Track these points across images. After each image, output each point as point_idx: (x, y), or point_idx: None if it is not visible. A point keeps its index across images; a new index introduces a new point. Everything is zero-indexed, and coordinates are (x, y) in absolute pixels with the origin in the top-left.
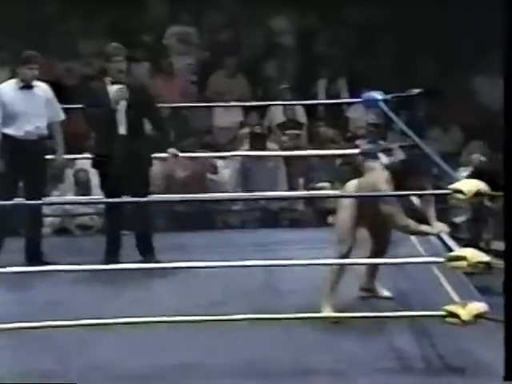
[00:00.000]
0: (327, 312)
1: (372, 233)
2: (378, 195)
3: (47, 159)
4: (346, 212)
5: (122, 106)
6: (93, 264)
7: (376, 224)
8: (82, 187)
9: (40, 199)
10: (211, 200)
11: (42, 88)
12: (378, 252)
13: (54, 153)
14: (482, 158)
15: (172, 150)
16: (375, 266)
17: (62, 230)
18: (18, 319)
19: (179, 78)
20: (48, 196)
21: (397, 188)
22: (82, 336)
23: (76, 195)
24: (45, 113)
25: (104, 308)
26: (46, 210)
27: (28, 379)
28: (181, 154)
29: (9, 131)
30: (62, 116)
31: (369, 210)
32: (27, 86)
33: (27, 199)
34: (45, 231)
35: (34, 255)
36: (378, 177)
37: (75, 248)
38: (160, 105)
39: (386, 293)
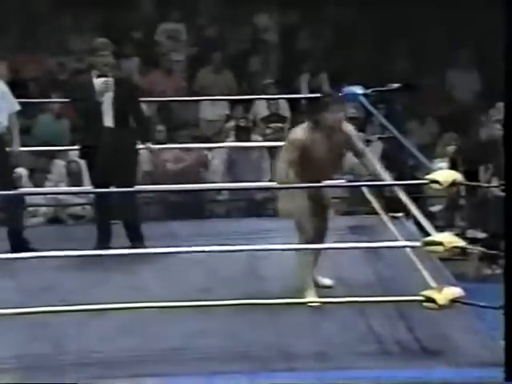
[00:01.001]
0: (311, 296)
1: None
2: (373, 184)
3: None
4: (290, 200)
5: (108, 99)
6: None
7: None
8: (74, 178)
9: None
10: (197, 190)
11: None
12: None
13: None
14: (456, 149)
15: (148, 145)
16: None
17: (54, 220)
18: (11, 305)
19: (175, 74)
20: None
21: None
22: (73, 321)
23: (68, 186)
24: (4, 107)
25: (94, 293)
26: (39, 200)
27: (21, 363)
28: (172, 146)
29: None
30: (17, 107)
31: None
32: None
33: None
34: (38, 220)
35: (18, 244)
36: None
37: (67, 237)
38: (148, 99)
39: (326, 281)
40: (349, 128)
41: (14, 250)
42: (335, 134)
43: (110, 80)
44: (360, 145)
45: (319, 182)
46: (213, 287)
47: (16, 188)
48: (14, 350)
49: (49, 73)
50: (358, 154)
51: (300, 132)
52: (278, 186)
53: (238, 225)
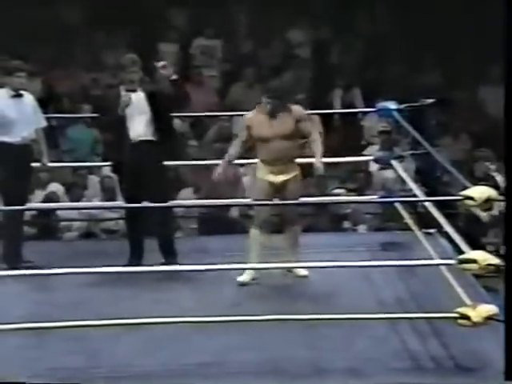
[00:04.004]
0: (244, 277)
1: None
2: (406, 200)
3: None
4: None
5: (135, 113)
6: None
7: None
8: (108, 193)
9: (25, 203)
10: (228, 205)
11: (28, 96)
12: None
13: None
14: (491, 166)
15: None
16: (296, 245)
17: (88, 234)
18: (46, 319)
19: (208, 89)
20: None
21: None
22: (107, 335)
23: (103, 201)
24: (33, 119)
25: (128, 308)
26: (72, 214)
27: (56, 376)
28: (204, 162)
29: (5, 138)
30: (44, 123)
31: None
32: (17, 95)
33: (12, 203)
34: (71, 235)
35: (14, 258)
36: None
37: (101, 251)
38: (181, 114)
39: (302, 272)
40: (299, 111)
41: (7, 264)
42: (279, 115)
43: (132, 94)
44: (309, 127)
45: (275, 159)
46: (245, 302)
47: (25, 201)
48: (48, 364)
49: (82, 88)
50: (307, 136)
51: (249, 114)
52: (309, 201)
53: (268, 240)
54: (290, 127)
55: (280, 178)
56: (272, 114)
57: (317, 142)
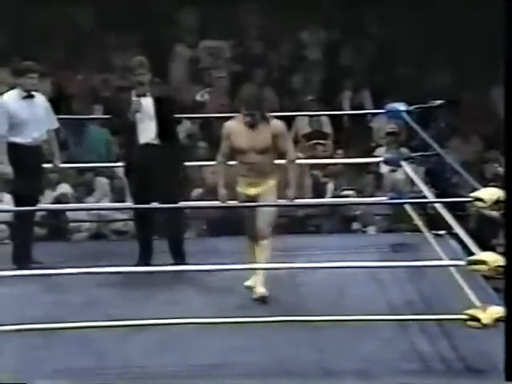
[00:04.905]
0: (250, 282)
1: None
2: (416, 202)
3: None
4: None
5: (144, 117)
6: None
7: None
8: (118, 194)
9: (36, 204)
10: (235, 207)
11: (40, 97)
12: None
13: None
14: (500, 168)
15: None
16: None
17: (97, 235)
18: (55, 319)
19: (216, 90)
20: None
21: None
22: (116, 336)
23: (112, 202)
24: (45, 120)
25: (136, 309)
26: (82, 215)
27: (64, 377)
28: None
29: (17, 139)
30: (56, 124)
31: None
32: (29, 96)
33: (23, 204)
34: (81, 236)
35: (24, 259)
36: None
37: (110, 252)
38: (190, 115)
39: (260, 290)
40: (278, 126)
41: (17, 264)
42: (258, 128)
43: (142, 99)
44: (286, 145)
45: (250, 171)
46: (252, 304)
47: (36, 202)
48: (57, 364)
49: (93, 89)
50: (284, 153)
51: (229, 123)
52: (318, 202)
53: (278, 241)
54: (266, 141)
55: (254, 191)
56: (250, 126)
57: (292, 165)
